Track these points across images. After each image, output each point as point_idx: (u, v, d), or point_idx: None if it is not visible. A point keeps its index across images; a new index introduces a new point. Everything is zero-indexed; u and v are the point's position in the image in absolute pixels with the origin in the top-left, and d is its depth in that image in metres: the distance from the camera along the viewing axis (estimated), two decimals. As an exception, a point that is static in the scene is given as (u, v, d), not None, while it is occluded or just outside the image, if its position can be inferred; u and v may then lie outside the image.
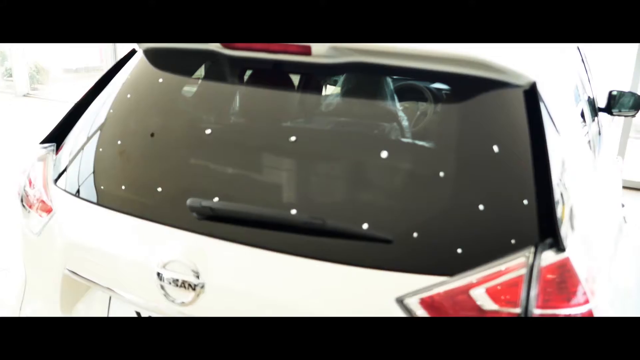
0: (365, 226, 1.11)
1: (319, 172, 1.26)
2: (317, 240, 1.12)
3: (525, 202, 1.06)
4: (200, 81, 1.59)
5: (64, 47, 10.17)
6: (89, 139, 1.50)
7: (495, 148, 1.12)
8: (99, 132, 1.49)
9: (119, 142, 1.47)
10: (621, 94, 2.88)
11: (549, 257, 1.00)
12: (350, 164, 1.24)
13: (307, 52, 1.24)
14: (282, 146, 1.29)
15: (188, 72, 1.56)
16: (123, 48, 7.57)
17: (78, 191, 1.41)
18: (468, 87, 1.18)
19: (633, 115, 2.99)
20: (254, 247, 1.15)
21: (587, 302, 1.01)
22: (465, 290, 1.02)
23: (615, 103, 2.87)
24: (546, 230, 1.02)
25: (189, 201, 1.20)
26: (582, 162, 1.38)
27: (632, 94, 2.87)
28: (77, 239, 1.37)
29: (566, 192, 1.11)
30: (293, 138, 1.27)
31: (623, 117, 4.32)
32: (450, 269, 1.04)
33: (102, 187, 1.40)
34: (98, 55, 9.69)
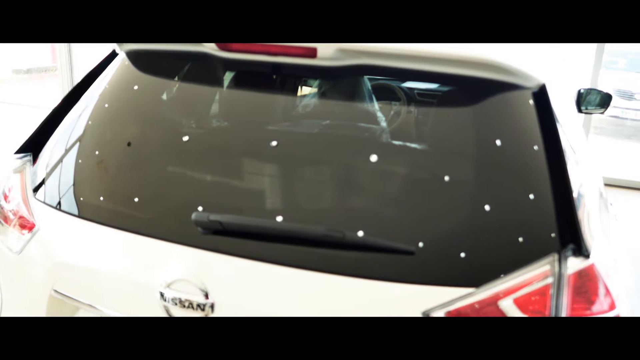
0: (385, 238, 1.06)
1: (336, 181, 1.20)
2: (336, 254, 1.07)
3: (545, 207, 1.04)
4: (181, 84, 1.49)
5: (11, 47, 9.61)
6: (72, 147, 1.38)
7: (513, 153, 1.09)
8: (84, 141, 1.38)
9: (109, 152, 1.36)
10: (588, 91, 2.94)
11: (574, 264, 0.99)
12: (368, 173, 1.19)
13: (313, 54, 1.17)
14: (292, 154, 1.23)
15: (177, 75, 1.47)
16: (78, 48, 7.20)
17: (65, 206, 1.29)
18: (480, 89, 1.15)
19: (602, 112, 3.07)
20: (267, 262, 1.08)
21: (613, 307, 1.00)
22: (492, 301, 0.99)
23: (583, 101, 2.94)
24: (568, 235, 1.00)
25: (194, 215, 1.12)
26: (585, 163, 1.38)
27: (598, 92, 2.94)
28: (66, 258, 1.26)
29: (581, 195, 1.10)
30: (296, 144, 1.21)
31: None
32: (475, 279, 1.00)
33: (92, 201, 1.29)
34: (50, 55, 9.24)
